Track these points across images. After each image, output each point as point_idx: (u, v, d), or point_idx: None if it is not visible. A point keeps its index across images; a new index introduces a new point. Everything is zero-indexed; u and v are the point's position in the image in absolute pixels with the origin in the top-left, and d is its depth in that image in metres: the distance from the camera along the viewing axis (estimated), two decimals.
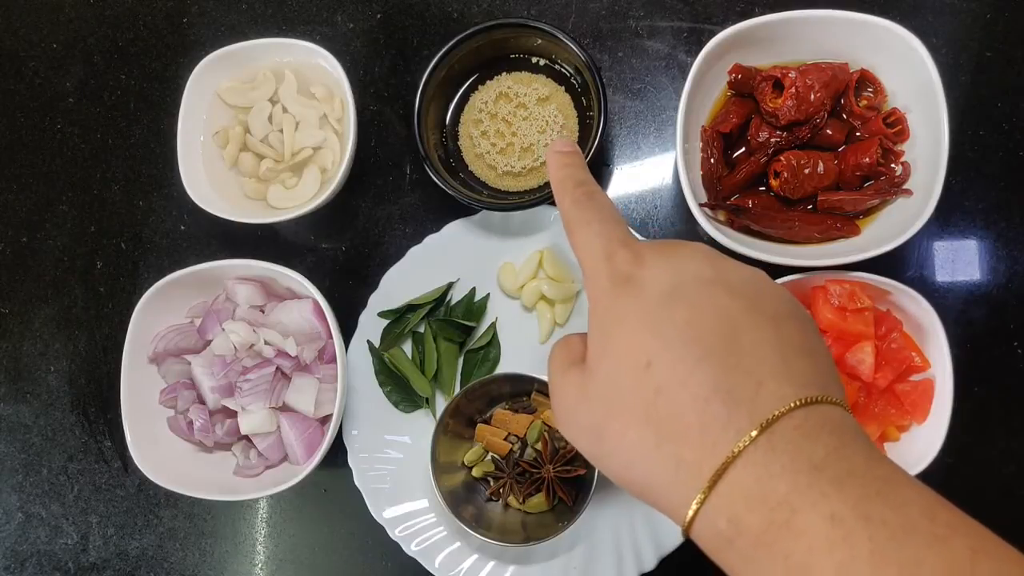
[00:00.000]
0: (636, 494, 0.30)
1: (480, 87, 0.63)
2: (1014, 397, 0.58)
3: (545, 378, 0.54)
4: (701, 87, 0.56)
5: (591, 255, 0.33)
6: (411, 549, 0.58)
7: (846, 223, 0.55)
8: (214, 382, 0.57)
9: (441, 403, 0.60)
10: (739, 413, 0.27)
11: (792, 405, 0.27)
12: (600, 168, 0.63)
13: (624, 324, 0.30)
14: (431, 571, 0.58)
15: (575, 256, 0.35)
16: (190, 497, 0.57)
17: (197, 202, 0.59)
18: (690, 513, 0.27)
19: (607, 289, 0.31)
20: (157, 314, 0.59)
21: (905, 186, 0.54)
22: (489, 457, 0.58)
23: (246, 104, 0.63)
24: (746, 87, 0.56)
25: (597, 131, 0.57)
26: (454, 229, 0.61)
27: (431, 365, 0.60)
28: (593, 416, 0.31)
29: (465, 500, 0.56)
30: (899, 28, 0.52)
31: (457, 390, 0.60)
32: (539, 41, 0.61)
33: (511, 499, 0.57)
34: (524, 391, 0.58)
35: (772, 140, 0.55)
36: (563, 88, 0.62)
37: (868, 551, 0.23)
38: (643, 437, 0.28)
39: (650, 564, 0.56)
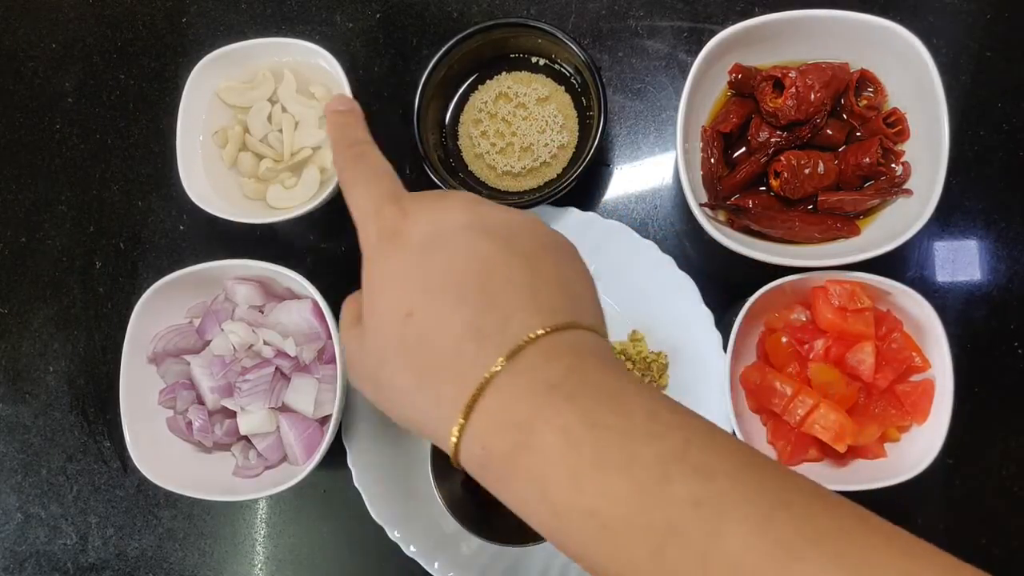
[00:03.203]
0: (418, 435, 0.32)
1: (480, 87, 0.63)
2: (1014, 397, 0.58)
3: None
4: (701, 87, 0.56)
5: (361, 213, 0.34)
6: (411, 549, 0.58)
7: (846, 223, 0.55)
8: (213, 382, 0.57)
9: None
10: (487, 347, 0.28)
11: (537, 333, 0.29)
12: (600, 168, 0.63)
13: (388, 277, 0.32)
14: (431, 572, 0.57)
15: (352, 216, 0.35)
16: (189, 497, 0.57)
17: (196, 202, 0.58)
18: (451, 446, 0.29)
19: (374, 245, 0.33)
20: (156, 314, 0.59)
21: (905, 186, 0.54)
22: None
23: (245, 104, 0.62)
24: (746, 87, 0.56)
25: (597, 131, 0.56)
26: None
27: None
28: (369, 367, 0.32)
29: (465, 500, 0.56)
30: (899, 28, 0.52)
31: None
32: (539, 41, 0.60)
33: None
34: None
35: (772, 140, 0.55)
36: (563, 88, 0.62)
37: (592, 455, 0.26)
38: (409, 381, 0.30)
39: None
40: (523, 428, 0.27)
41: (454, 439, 0.29)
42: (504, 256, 0.31)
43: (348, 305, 0.36)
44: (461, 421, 0.28)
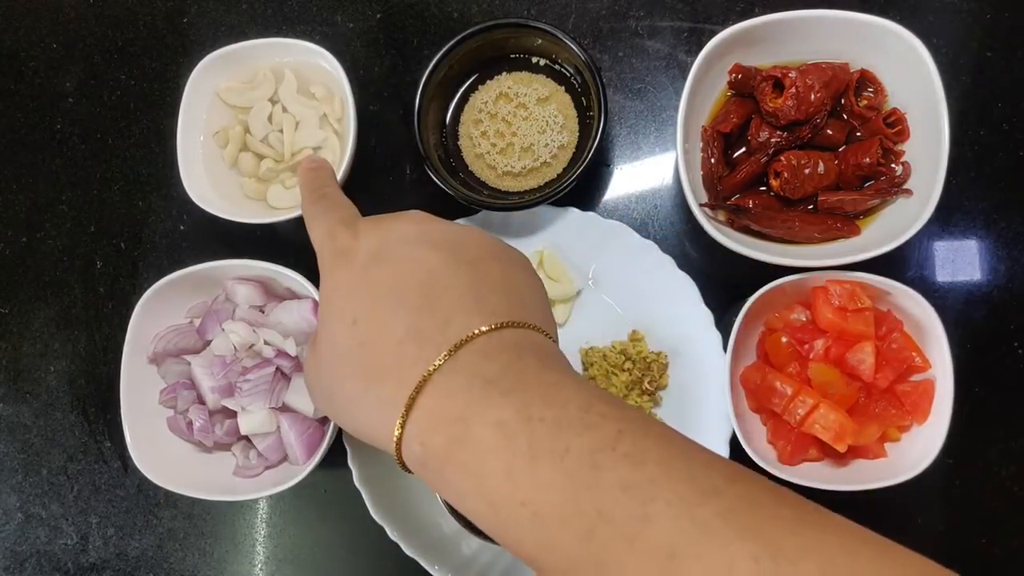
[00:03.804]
0: (368, 442, 0.32)
1: (480, 87, 0.63)
2: (1014, 397, 0.58)
3: None
4: (701, 87, 0.56)
5: (318, 240, 0.36)
6: (410, 549, 0.58)
7: (846, 223, 0.55)
8: (214, 382, 0.57)
9: None
10: (427, 347, 0.29)
11: (475, 332, 0.29)
12: (600, 168, 0.63)
13: (336, 290, 0.33)
14: (430, 571, 0.57)
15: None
16: (190, 497, 0.57)
17: (197, 202, 0.59)
18: (393, 445, 0.29)
19: (328, 265, 0.34)
20: (157, 314, 0.59)
21: (905, 186, 0.54)
22: None
23: (246, 104, 0.62)
24: (746, 87, 0.56)
25: (597, 131, 0.57)
26: None
27: None
28: (322, 379, 0.33)
29: None
30: (899, 28, 0.52)
31: None
32: (539, 41, 0.61)
33: None
34: None
35: (772, 140, 0.55)
36: (563, 88, 0.62)
37: (526, 447, 0.26)
38: (355, 387, 0.31)
39: None
40: (459, 423, 0.27)
41: (395, 439, 0.29)
42: (449, 264, 0.32)
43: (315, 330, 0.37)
44: (401, 420, 0.29)
